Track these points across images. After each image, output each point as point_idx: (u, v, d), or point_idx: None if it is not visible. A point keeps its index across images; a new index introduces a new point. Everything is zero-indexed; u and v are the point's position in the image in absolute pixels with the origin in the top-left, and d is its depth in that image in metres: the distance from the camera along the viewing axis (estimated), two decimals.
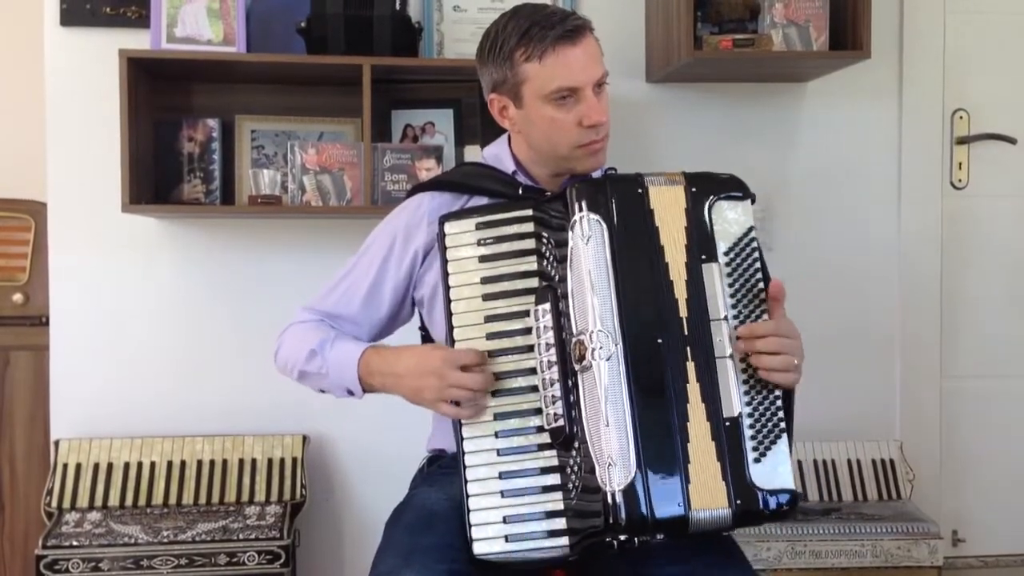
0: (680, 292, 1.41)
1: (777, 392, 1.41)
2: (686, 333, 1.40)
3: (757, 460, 1.38)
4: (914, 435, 2.73)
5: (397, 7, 2.38)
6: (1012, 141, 2.78)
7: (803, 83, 2.69)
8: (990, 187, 2.80)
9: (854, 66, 2.49)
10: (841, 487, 2.58)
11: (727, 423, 1.38)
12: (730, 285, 1.42)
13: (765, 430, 1.39)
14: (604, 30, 2.65)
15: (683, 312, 1.40)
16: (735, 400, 1.39)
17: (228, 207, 2.45)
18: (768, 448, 1.39)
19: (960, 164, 2.79)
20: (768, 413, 1.40)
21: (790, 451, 1.41)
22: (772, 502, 1.37)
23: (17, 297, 2.63)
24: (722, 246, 1.43)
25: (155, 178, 2.44)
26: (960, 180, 2.79)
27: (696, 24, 2.40)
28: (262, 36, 2.44)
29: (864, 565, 2.37)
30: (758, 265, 1.45)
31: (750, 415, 1.39)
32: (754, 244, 1.45)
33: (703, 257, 1.42)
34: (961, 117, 2.78)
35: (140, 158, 2.34)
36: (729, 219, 1.45)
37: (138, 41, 2.39)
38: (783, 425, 1.40)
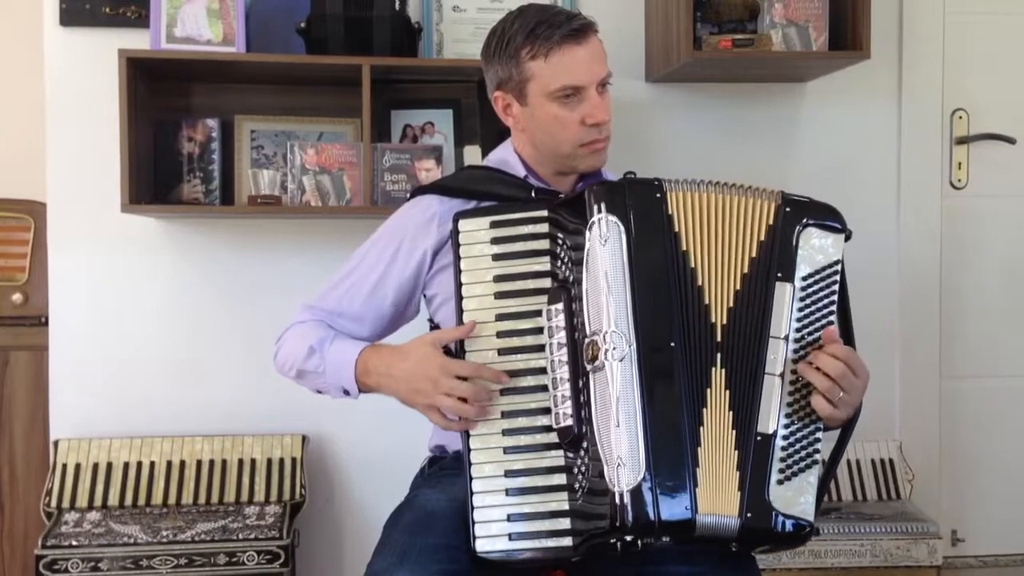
0: (713, 298, 1.41)
1: (819, 424, 1.41)
2: (717, 340, 1.40)
3: (781, 482, 1.38)
4: (913, 435, 2.73)
5: (397, 7, 2.38)
6: (1011, 141, 2.79)
7: (803, 83, 2.69)
8: (989, 187, 2.80)
9: (854, 66, 2.50)
10: (840, 487, 2.58)
11: (758, 437, 1.38)
12: (800, 310, 1.42)
13: (797, 456, 1.39)
14: (604, 30, 2.65)
15: (716, 319, 1.41)
16: (773, 418, 1.39)
17: (228, 207, 2.45)
18: (796, 474, 1.38)
19: (959, 164, 2.79)
20: (805, 441, 1.40)
21: (822, 487, 1.41)
22: (784, 524, 1.37)
23: (16, 297, 2.63)
24: (803, 270, 1.43)
25: (155, 178, 2.43)
26: (959, 180, 2.80)
27: (696, 24, 2.40)
28: (262, 36, 2.44)
29: (863, 565, 2.38)
30: (834, 299, 1.44)
31: (785, 437, 1.39)
32: (836, 278, 1.45)
33: (779, 275, 1.42)
34: (960, 117, 2.78)
35: (140, 158, 2.34)
36: (816, 246, 1.45)
37: (138, 41, 2.39)
38: (817, 457, 1.40)
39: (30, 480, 2.61)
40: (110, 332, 2.51)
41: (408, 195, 1.76)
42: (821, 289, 1.44)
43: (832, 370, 1.38)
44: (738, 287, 1.42)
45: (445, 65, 2.48)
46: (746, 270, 1.42)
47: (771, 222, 1.45)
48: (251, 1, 2.44)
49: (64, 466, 2.40)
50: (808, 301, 1.43)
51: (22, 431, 2.62)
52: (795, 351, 1.41)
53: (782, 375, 1.40)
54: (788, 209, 1.45)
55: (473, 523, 1.43)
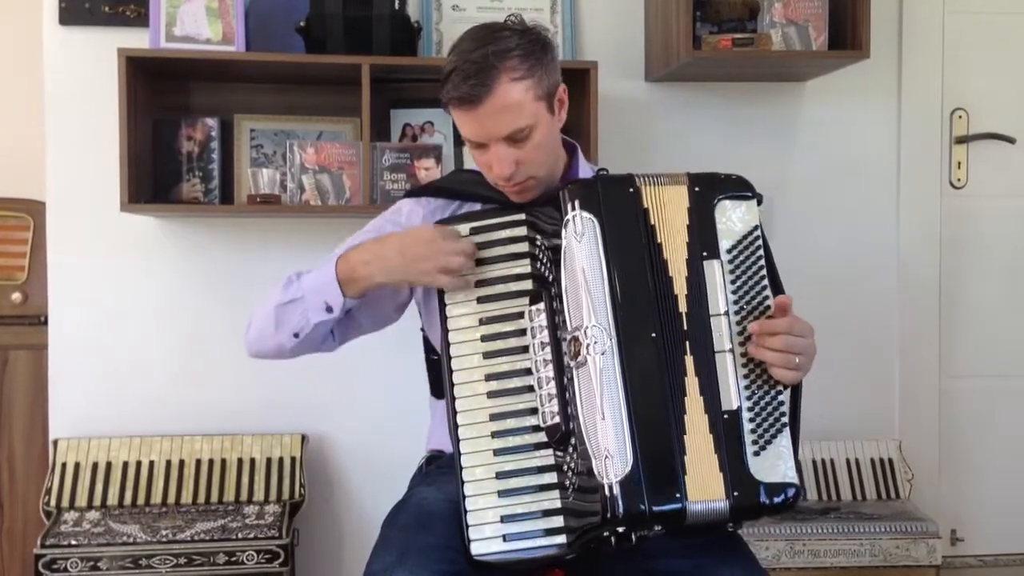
0: (679, 288, 1.42)
1: (779, 387, 1.42)
2: (685, 328, 1.41)
3: (757, 453, 1.38)
4: (913, 434, 2.73)
5: (396, 6, 2.38)
6: (1011, 140, 2.79)
7: (802, 82, 2.69)
8: (989, 186, 2.80)
9: (853, 66, 2.50)
10: (840, 487, 2.58)
11: (725, 416, 1.38)
12: (732, 282, 1.44)
13: (766, 424, 1.40)
14: (604, 30, 2.67)
15: (682, 308, 1.42)
16: (734, 393, 1.39)
17: (227, 206, 2.45)
18: (769, 442, 1.39)
19: (959, 163, 2.79)
20: (769, 408, 1.41)
21: (795, 446, 1.42)
22: (771, 495, 1.37)
23: (16, 296, 2.63)
24: (725, 244, 1.44)
25: (154, 177, 2.43)
26: (959, 179, 2.80)
27: (695, 24, 2.40)
28: (261, 35, 2.44)
29: (863, 564, 2.38)
30: (762, 263, 1.46)
31: (750, 409, 1.40)
32: (759, 243, 1.46)
33: (704, 254, 1.43)
34: (960, 116, 2.78)
35: (139, 157, 2.34)
36: (733, 218, 1.46)
37: (137, 40, 2.39)
38: (785, 420, 1.41)
39: (29, 479, 2.61)
40: (109, 331, 2.51)
41: (399, 201, 1.76)
42: (747, 258, 1.45)
43: (778, 345, 1.40)
44: (687, 274, 1.43)
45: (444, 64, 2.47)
46: (687, 255, 1.44)
47: (688, 204, 1.46)
48: (250, 0, 2.44)
49: (63, 465, 2.40)
50: (738, 272, 1.44)
51: (22, 430, 2.62)
52: (738, 323, 1.42)
53: (731, 350, 1.41)
54: (697, 188, 1.46)
55: (467, 526, 1.44)
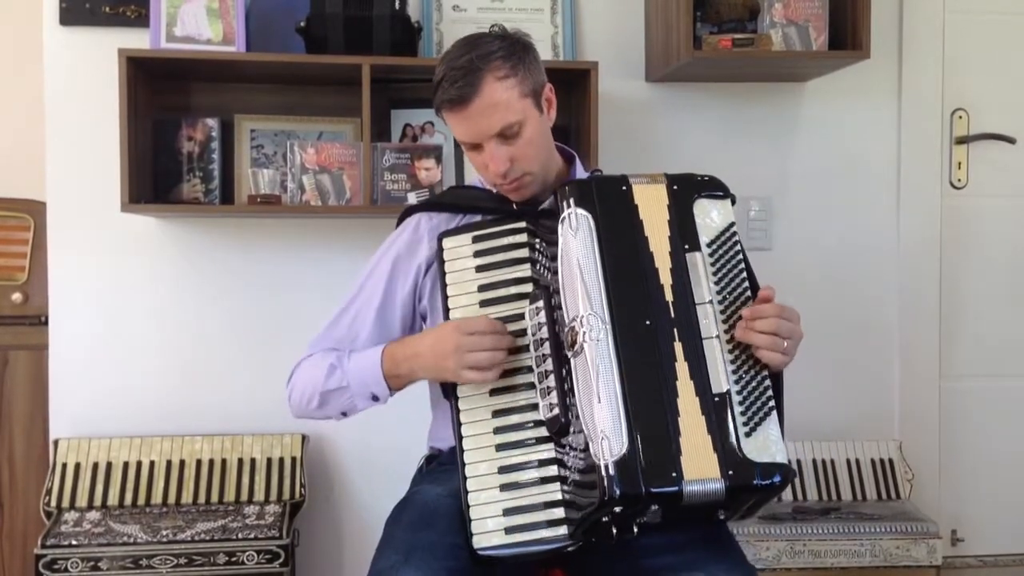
0: (665, 279, 1.47)
1: (765, 372, 1.45)
2: (672, 316, 1.44)
3: (748, 435, 1.40)
4: (913, 435, 2.73)
5: (396, 7, 2.38)
6: (1011, 141, 2.79)
7: (803, 83, 2.69)
8: (989, 187, 2.80)
9: (853, 66, 2.50)
10: (840, 487, 2.58)
11: (716, 398, 1.41)
12: (714, 273, 1.48)
13: (755, 407, 1.42)
14: (604, 30, 2.67)
15: (668, 297, 1.46)
16: (723, 377, 1.42)
17: (227, 206, 2.45)
18: (759, 424, 1.41)
19: (959, 164, 2.79)
20: (757, 391, 1.44)
21: (781, 430, 1.45)
22: (764, 475, 1.38)
23: (16, 296, 2.63)
24: (704, 238, 1.50)
25: (154, 177, 2.44)
26: (959, 180, 2.80)
27: (696, 24, 2.40)
28: (261, 35, 2.44)
29: (863, 565, 2.38)
30: (740, 257, 1.51)
31: (739, 392, 1.43)
32: (735, 238, 1.52)
33: (686, 247, 1.48)
34: (960, 117, 2.78)
35: (139, 157, 2.34)
36: (711, 215, 1.52)
37: (137, 40, 2.39)
38: (772, 403, 1.44)
39: (30, 479, 2.61)
40: (110, 331, 2.51)
41: (399, 216, 1.79)
42: (727, 251, 1.51)
43: (767, 327, 1.43)
44: (671, 265, 1.48)
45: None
46: (670, 248, 1.48)
47: (668, 202, 1.51)
48: (251, 0, 2.44)
49: (64, 465, 2.40)
50: (719, 264, 1.50)
51: (22, 431, 2.62)
52: (723, 311, 1.47)
53: (718, 336, 1.45)
54: (675, 187, 1.52)
55: (470, 521, 1.45)
